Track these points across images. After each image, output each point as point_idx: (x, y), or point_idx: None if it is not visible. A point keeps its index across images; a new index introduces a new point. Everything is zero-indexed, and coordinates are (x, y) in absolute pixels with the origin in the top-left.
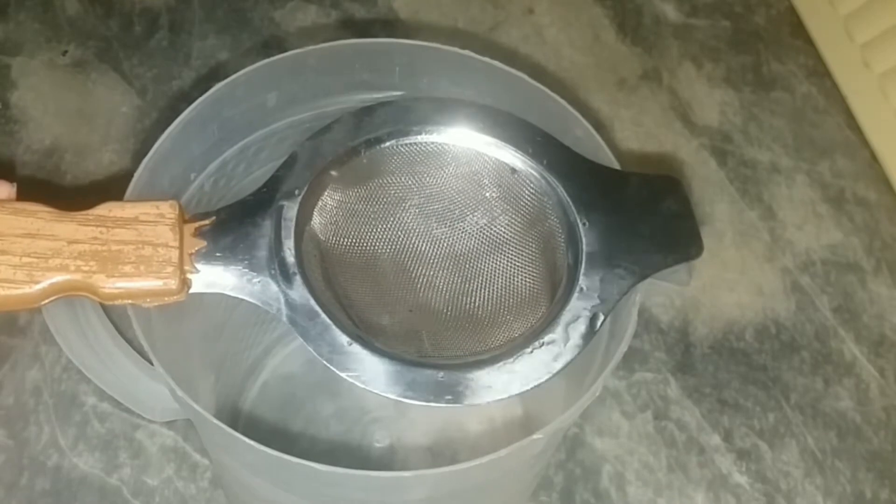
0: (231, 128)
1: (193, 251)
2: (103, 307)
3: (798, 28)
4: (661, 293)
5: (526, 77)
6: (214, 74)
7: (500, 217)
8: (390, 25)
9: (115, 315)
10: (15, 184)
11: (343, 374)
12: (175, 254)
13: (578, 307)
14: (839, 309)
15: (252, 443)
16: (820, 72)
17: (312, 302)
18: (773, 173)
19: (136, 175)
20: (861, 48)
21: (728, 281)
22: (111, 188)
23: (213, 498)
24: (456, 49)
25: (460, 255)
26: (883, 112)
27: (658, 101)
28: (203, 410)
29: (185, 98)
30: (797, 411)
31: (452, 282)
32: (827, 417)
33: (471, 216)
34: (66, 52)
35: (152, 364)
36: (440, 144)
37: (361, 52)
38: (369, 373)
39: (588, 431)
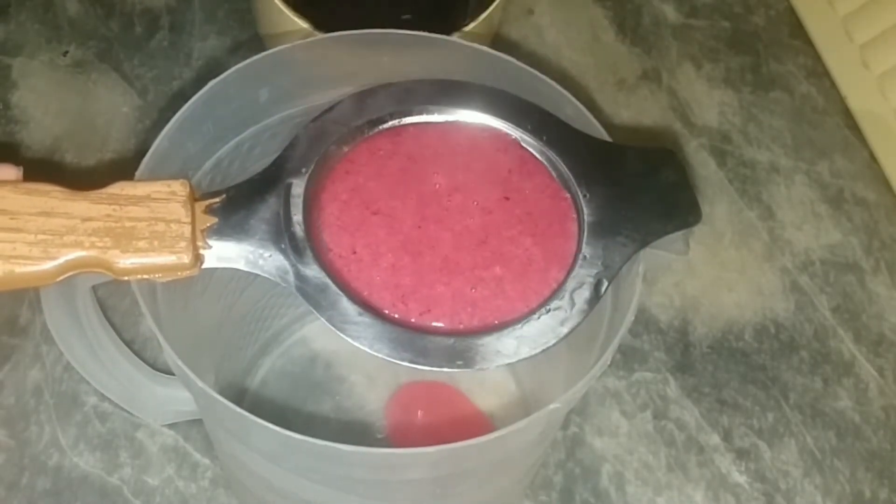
0: (225, 125)
1: (205, 227)
2: (104, 310)
3: (797, 28)
4: (661, 293)
5: (514, 60)
6: (215, 75)
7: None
8: None
9: (116, 318)
10: (21, 167)
11: (355, 343)
12: (187, 230)
13: (582, 274)
14: (838, 309)
15: (278, 429)
16: (819, 72)
17: (322, 275)
18: (772, 173)
19: (138, 174)
20: (860, 48)
21: (727, 281)
22: (101, 187)
23: (214, 497)
24: (442, 36)
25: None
26: (882, 112)
27: (657, 102)
28: (222, 398)
29: (186, 98)
30: (796, 411)
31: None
32: (826, 417)
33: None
34: (66, 52)
35: (151, 368)
36: (441, 123)
37: (350, 43)
38: (380, 341)
39: (587, 431)
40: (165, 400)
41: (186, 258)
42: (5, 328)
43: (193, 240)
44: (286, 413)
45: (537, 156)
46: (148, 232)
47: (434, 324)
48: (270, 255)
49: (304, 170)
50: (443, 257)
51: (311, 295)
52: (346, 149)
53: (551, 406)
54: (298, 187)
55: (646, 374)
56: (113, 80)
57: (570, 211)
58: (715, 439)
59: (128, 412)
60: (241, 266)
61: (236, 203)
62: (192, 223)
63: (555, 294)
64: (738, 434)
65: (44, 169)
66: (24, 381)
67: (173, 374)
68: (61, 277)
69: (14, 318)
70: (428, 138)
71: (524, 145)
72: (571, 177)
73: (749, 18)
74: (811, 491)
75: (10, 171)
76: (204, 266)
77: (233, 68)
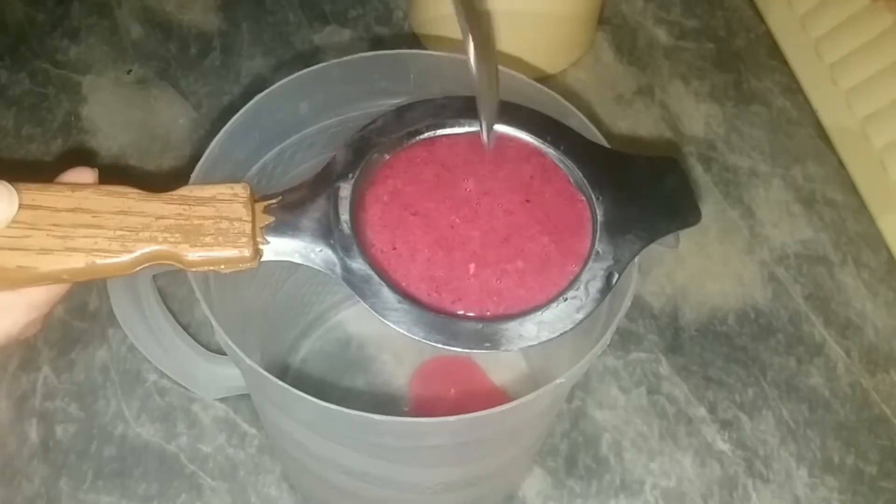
0: (269, 134)
1: (264, 225)
2: (163, 297)
3: (774, 50)
4: (654, 282)
5: (525, 77)
6: (261, 90)
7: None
8: (417, 43)
9: (174, 304)
10: (97, 169)
11: (395, 327)
12: (248, 227)
13: (596, 268)
14: (810, 297)
15: (317, 401)
16: (793, 88)
17: (367, 267)
18: (752, 177)
19: (193, 177)
20: (830, 67)
21: (712, 272)
22: (171, 189)
23: (261, 462)
24: (461, 56)
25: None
26: (849, 124)
27: (651, 114)
28: (267, 374)
29: (236, 111)
30: (773, 387)
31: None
32: (799, 392)
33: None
34: (130, 71)
35: (205, 349)
36: (471, 134)
37: (379, 62)
38: (417, 325)
39: (589, 404)
40: (217, 376)
41: (247, 252)
42: (76, 313)
43: (253, 236)
44: (324, 388)
45: (556, 163)
46: (213, 229)
47: (464, 311)
48: (321, 250)
49: (350, 175)
50: (472, 253)
51: (356, 285)
52: (387, 156)
53: (557, 381)
54: (346, 190)
55: (641, 355)
56: (171, 95)
57: (585, 212)
58: (702, 412)
59: (184, 388)
60: (296, 259)
61: (291, 204)
62: (253, 221)
63: (571, 285)
64: (722, 407)
65: (111, 173)
66: (93, 360)
67: (224, 354)
68: (137, 269)
69: (84, 304)
70: (459, 148)
71: (544, 154)
72: (586, 182)
73: (732, 41)
74: (786, 457)
75: (87, 175)
76: (263, 259)
77: (276, 84)
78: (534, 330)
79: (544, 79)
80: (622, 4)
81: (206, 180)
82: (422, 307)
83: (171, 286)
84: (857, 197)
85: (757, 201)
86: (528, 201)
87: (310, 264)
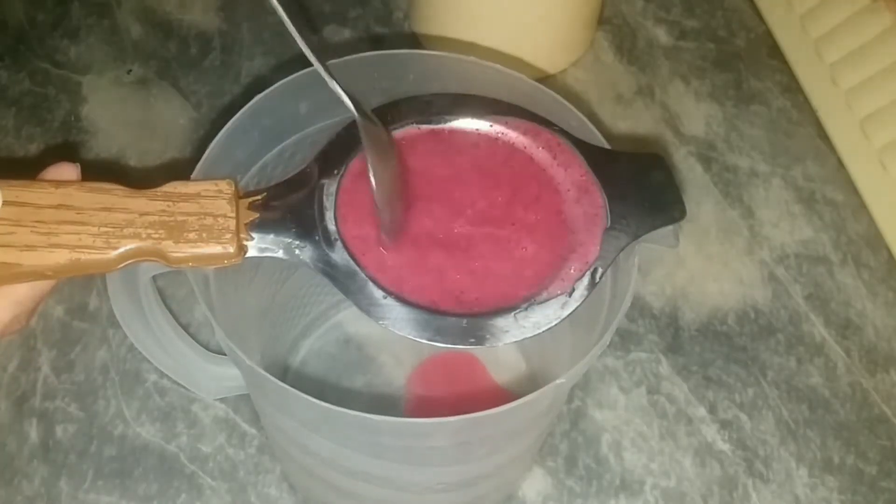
0: (269, 134)
1: (248, 221)
2: (163, 298)
3: (774, 50)
4: (654, 283)
5: (524, 77)
6: (261, 90)
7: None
8: (417, 43)
9: (174, 305)
10: (78, 164)
11: (380, 323)
12: (232, 223)
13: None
14: (810, 297)
15: (317, 401)
16: (793, 88)
17: (351, 263)
18: (752, 177)
19: (192, 177)
20: (830, 67)
21: (712, 272)
22: (156, 186)
23: (260, 462)
24: (461, 56)
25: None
26: (849, 123)
27: (651, 114)
28: (267, 374)
29: (236, 111)
30: (773, 387)
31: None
32: (799, 392)
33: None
34: (130, 70)
35: (205, 349)
36: (456, 131)
37: (379, 62)
38: (402, 321)
39: (589, 404)
40: (217, 377)
41: (231, 248)
42: (76, 314)
43: (237, 232)
44: (323, 388)
45: (542, 162)
46: (198, 225)
47: (448, 308)
48: (305, 246)
49: (335, 171)
50: (455, 250)
51: (340, 281)
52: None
53: (557, 381)
54: (331, 187)
55: (640, 355)
56: (171, 95)
57: (569, 209)
58: (701, 412)
59: (184, 388)
60: (280, 255)
61: (276, 200)
62: (237, 218)
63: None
64: (722, 407)
65: (111, 172)
66: (93, 360)
67: (224, 354)
68: (121, 265)
69: (84, 304)
70: (444, 145)
71: (530, 153)
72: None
73: (732, 41)
74: (786, 457)
75: (70, 171)
76: (247, 255)
77: (276, 84)
78: (518, 325)
79: (544, 79)
80: (622, 4)
81: (201, 178)
82: (406, 303)
83: (171, 286)
84: (857, 197)
85: (757, 201)
86: (511, 198)
87: (294, 260)
